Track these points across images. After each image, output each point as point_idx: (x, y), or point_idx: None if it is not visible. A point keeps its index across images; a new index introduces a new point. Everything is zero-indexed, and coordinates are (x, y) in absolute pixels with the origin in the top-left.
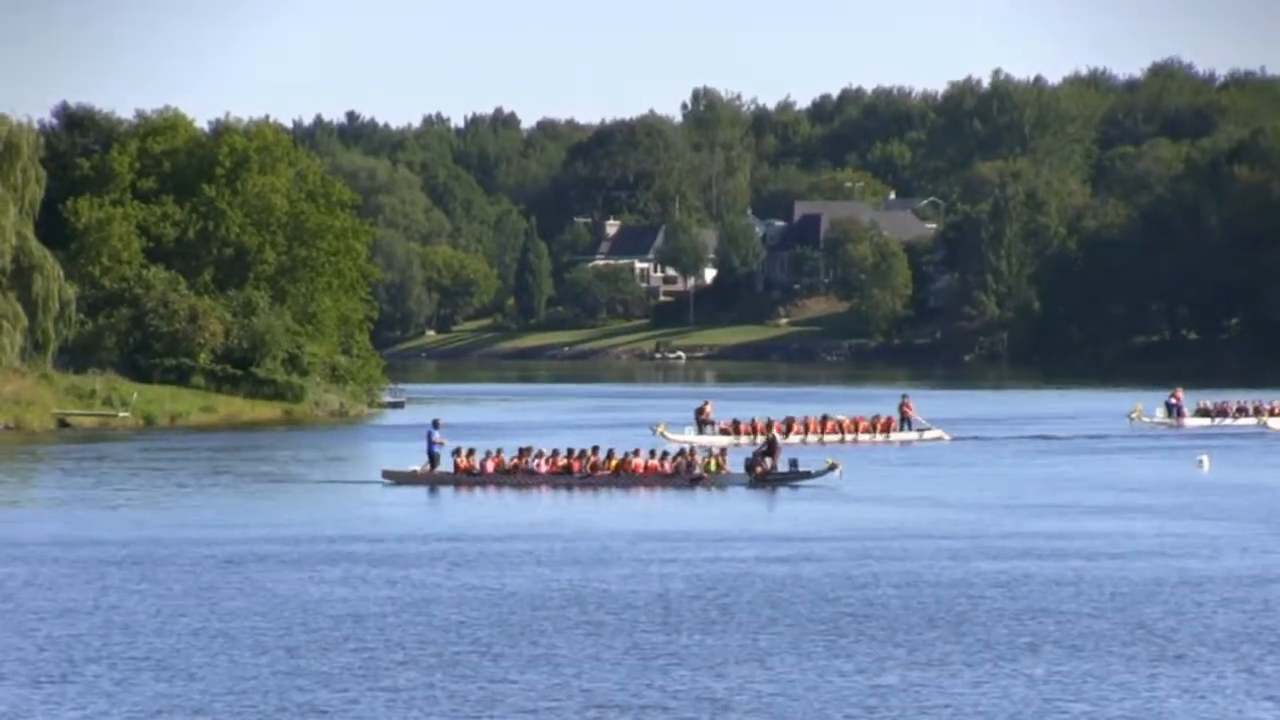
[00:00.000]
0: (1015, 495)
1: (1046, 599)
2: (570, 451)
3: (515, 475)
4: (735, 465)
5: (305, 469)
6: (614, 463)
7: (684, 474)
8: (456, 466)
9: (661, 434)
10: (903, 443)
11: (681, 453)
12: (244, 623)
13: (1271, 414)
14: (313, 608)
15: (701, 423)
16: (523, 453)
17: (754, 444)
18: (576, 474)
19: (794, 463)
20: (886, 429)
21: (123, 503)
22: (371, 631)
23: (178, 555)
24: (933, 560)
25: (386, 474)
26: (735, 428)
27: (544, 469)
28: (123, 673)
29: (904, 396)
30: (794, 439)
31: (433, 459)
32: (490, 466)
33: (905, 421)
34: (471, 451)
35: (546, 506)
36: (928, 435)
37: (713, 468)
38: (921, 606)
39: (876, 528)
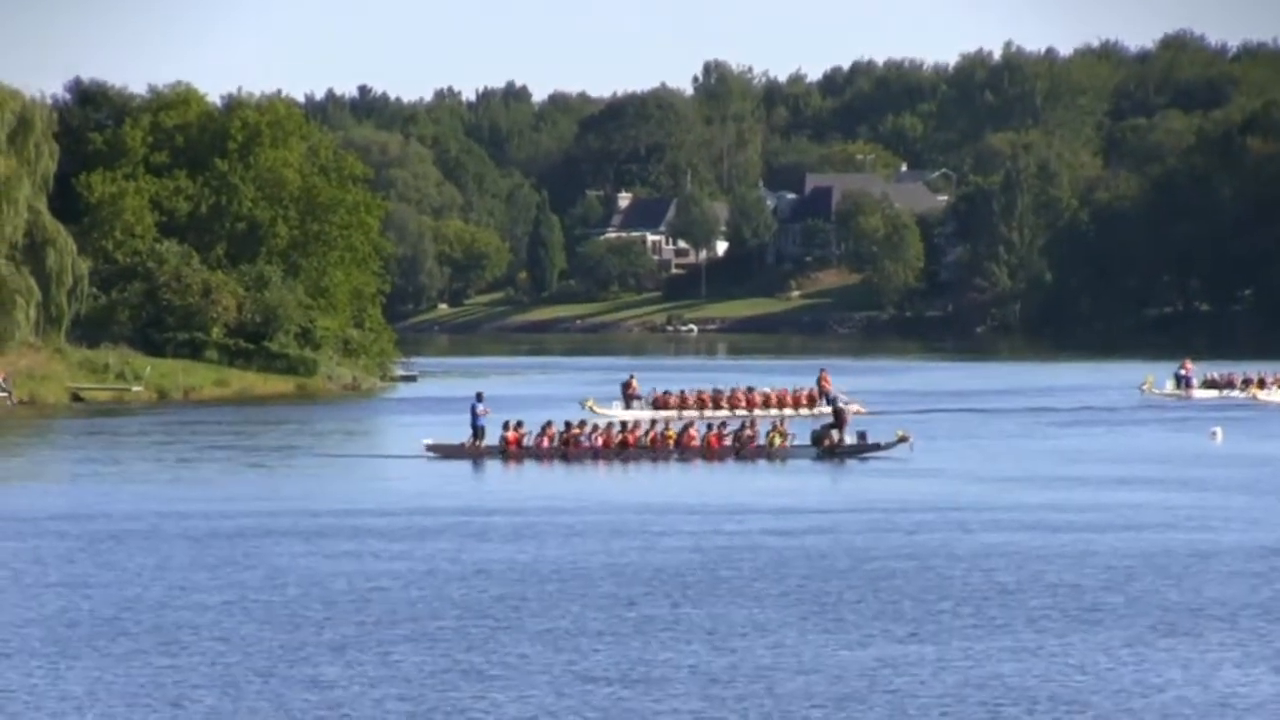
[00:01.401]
0: (1028, 469)
1: (1090, 573)
2: (624, 425)
3: (569, 449)
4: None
5: (339, 442)
6: (671, 436)
7: (745, 447)
8: (506, 440)
9: (590, 408)
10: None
11: (742, 425)
12: (298, 590)
13: (1260, 385)
14: (390, 580)
15: (629, 397)
16: (569, 426)
17: (680, 418)
18: (632, 448)
19: (862, 435)
20: (810, 403)
21: (168, 476)
22: (457, 603)
23: (246, 528)
24: (964, 534)
25: (431, 447)
26: (664, 401)
27: (598, 443)
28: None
29: (822, 370)
30: (721, 412)
31: (477, 432)
32: (543, 441)
33: (824, 394)
34: (520, 424)
35: (615, 480)
36: (851, 409)
37: (776, 440)
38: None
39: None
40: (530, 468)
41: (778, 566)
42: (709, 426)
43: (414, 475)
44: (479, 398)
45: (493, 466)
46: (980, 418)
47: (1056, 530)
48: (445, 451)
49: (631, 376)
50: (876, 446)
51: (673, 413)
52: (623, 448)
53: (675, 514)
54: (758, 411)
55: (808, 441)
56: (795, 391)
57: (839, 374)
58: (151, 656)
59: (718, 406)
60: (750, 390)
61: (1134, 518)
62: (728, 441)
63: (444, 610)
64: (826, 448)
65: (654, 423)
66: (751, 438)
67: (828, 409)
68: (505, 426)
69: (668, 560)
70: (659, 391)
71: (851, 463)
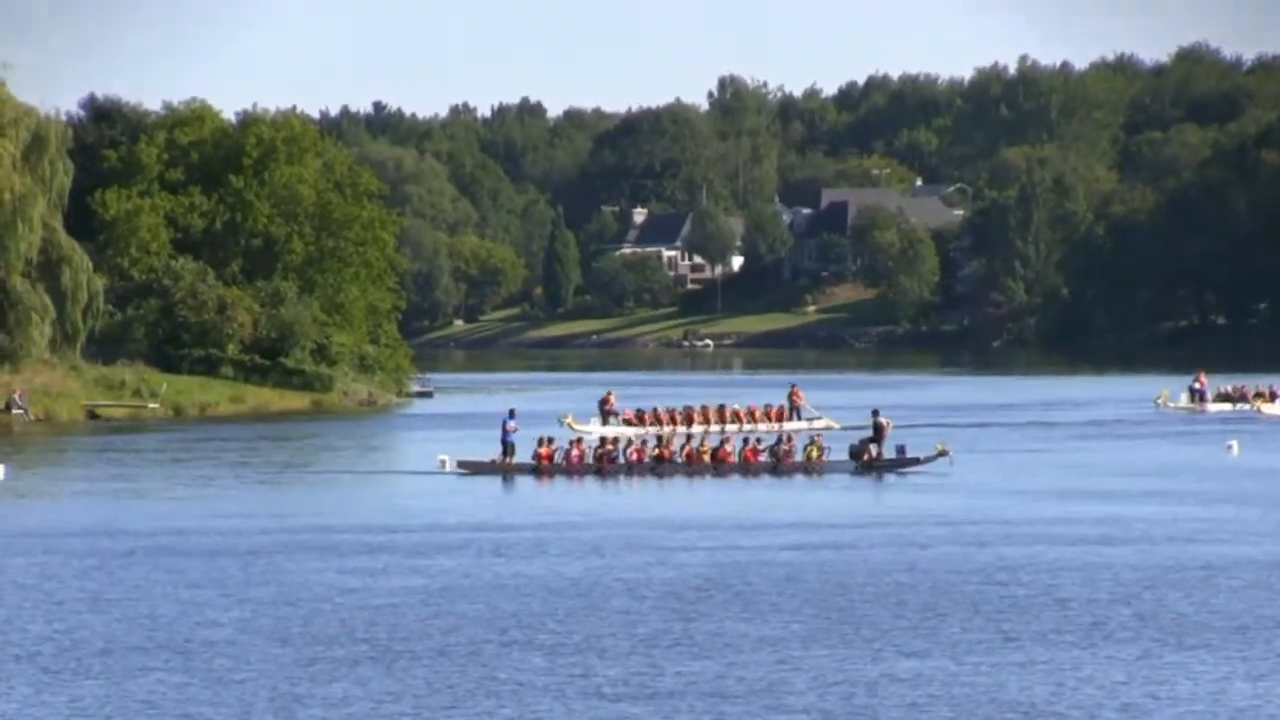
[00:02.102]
0: (1043, 483)
1: (1111, 586)
2: (659, 440)
3: (602, 465)
4: (795, 454)
5: (356, 459)
6: (706, 451)
7: (782, 462)
8: (538, 456)
9: (569, 425)
10: (792, 432)
11: (779, 440)
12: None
13: (1269, 398)
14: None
15: (605, 413)
16: (603, 442)
17: (661, 433)
18: (668, 462)
19: (901, 449)
20: (780, 418)
21: (184, 493)
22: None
23: (262, 545)
24: (985, 547)
25: (462, 464)
26: (639, 418)
27: (633, 458)
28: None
29: (793, 385)
30: (695, 429)
31: (508, 448)
32: (575, 456)
33: (795, 410)
34: (551, 440)
35: (651, 496)
36: (817, 424)
37: (814, 455)
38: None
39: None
40: (563, 484)
41: (811, 581)
42: (745, 441)
43: (445, 491)
44: (511, 414)
45: (525, 483)
46: (996, 432)
47: (1073, 544)
48: (475, 468)
49: (609, 392)
50: (916, 461)
51: (645, 429)
52: (658, 463)
53: (716, 529)
54: (729, 427)
55: (845, 456)
56: (766, 407)
57: (857, 389)
58: (164, 674)
59: (689, 423)
60: (722, 407)
61: (1150, 531)
62: (764, 456)
63: (492, 625)
64: (865, 462)
65: (689, 438)
66: (788, 452)
67: (799, 424)
68: (539, 443)
69: (693, 575)
70: (629, 411)
71: (889, 477)
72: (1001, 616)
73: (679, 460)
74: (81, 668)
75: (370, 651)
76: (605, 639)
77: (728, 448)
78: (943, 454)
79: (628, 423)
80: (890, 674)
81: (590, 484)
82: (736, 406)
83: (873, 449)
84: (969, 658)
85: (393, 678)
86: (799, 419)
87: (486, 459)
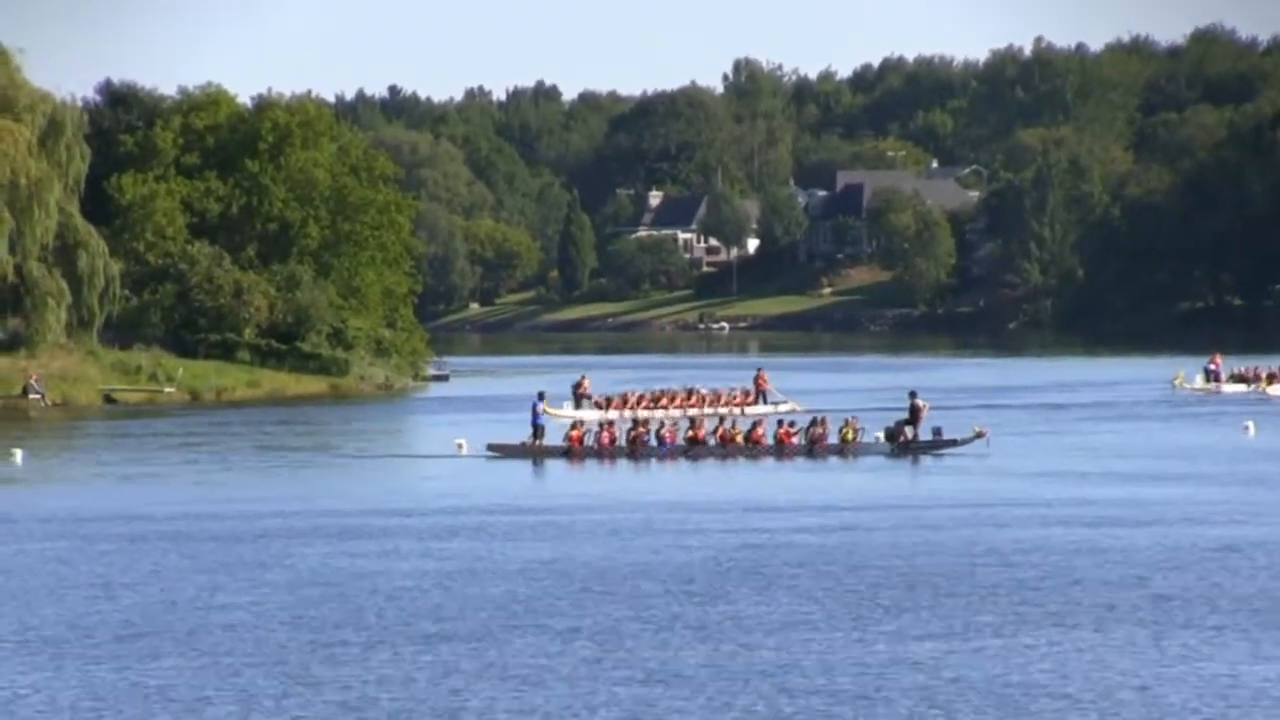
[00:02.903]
0: (1059, 464)
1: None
2: (692, 421)
3: (635, 448)
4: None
5: (375, 442)
6: (738, 433)
7: (817, 444)
8: (569, 439)
9: (545, 410)
10: (757, 416)
11: (814, 422)
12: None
13: (1271, 378)
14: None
15: (579, 396)
16: (636, 424)
17: (623, 418)
18: (701, 445)
19: (938, 431)
20: (746, 401)
21: (201, 478)
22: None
23: (279, 529)
24: (1007, 529)
25: (492, 447)
26: (608, 402)
27: (667, 440)
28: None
29: (759, 370)
30: (659, 413)
31: (538, 431)
32: (605, 439)
33: (761, 394)
34: (582, 423)
35: (687, 478)
36: (782, 408)
37: (849, 436)
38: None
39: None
40: (594, 467)
41: (844, 562)
42: (780, 423)
43: (468, 474)
44: (540, 397)
45: (559, 466)
46: (1012, 414)
47: (1091, 526)
48: (506, 451)
49: (583, 376)
50: (953, 442)
51: (615, 414)
52: (691, 444)
53: (750, 511)
54: (694, 411)
55: (881, 437)
56: (732, 391)
57: (872, 371)
58: (179, 658)
59: (659, 406)
60: (690, 391)
61: (1169, 513)
62: (798, 439)
63: (525, 607)
64: (901, 444)
65: (721, 419)
66: (823, 435)
67: (764, 408)
68: (573, 425)
69: (722, 558)
70: (599, 397)
71: (926, 459)
72: (1020, 598)
73: (712, 442)
74: (97, 653)
75: (387, 635)
76: (644, 621)
77: (760, 429)
78: (979, 435)
79: (598, 406)
80: (914, 656)
81: (622, 466)
82: (704, 390)
83: (908, 431)
84: (985, 639)
85: (434, 660)
86: (764, 403)
87: (515, 442)
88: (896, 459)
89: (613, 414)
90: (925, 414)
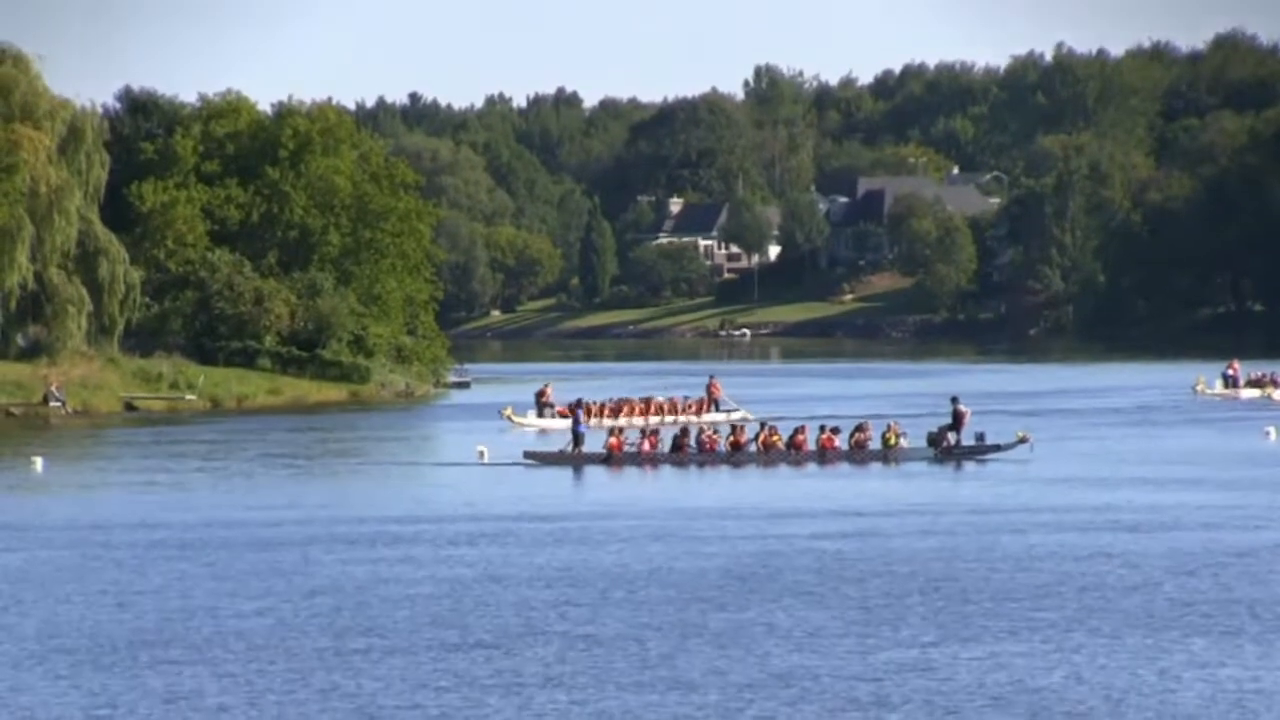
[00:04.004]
0: (1081, 470)
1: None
2: (734, 428)
3: (677, 455)
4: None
5: (405, 450)
6: (777, 439)
7: (859, 449)
8: (609, 446)
9: (508, 417)
10: (711, 424)
11: (858, 428)
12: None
13: (1275, 384)
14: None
15: (541, 405)
16: (684, 431)
17: (601, 426)
18: (742, 451)
19: (981, 436)
20: (700, 410)
21: (226, 486)
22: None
23: (301, 536)
24: (1029, 535)
25: (529, 455)
26: (572, 410)
27: (709, 447)
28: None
29: (711, 377)
30: (621, 420)
31: (577, 439)
32: (646, 446)
33: (714, 402)
34: (622, 430)
35: (731, 485)
36: (734, 415)
37: (891, 441)
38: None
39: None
40: (633, 474)
41: (898, 569)
42: (821, 428)
43: (492, 481)
44: (579, 404)
45: (598, 473)
46: (1034, 420)
47: (1114, 531)
48: (544, 459)
49: (546, 384)
50: (996, 448)
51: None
52: (734, 450)
53: (795, 518)
54: (654, 419)
55: (924, 443)
56: (686, 400)
57: (893, 378)
58: (196, 667)
59: (617, 415)
60: (647, 400)
61: (1190, 518)
62: (840, 444)
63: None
64: (944, 449)
65: (763, 425)
66: (865, 440)
67: (717, 415)
68: (610, 433)
69: (773, 564)
70: (560, 405)
71: (969, 465)
72: (1048, 603)
73: (754, 449)
74: (115, 660)
75: (411, 643)
76: (680, 628)
77: (801, 436)
78: (1023, 441)
79: (561, 415)
80: (944, 661)
81: (662, 474)
82: (660, 399)
83: (951, 436)
84: (1003, 645)
85: (465, 665)
86: (718, 410)
87: (554, 450)
88: (939, 464)
89: (567, 424)
90: (968, 419)
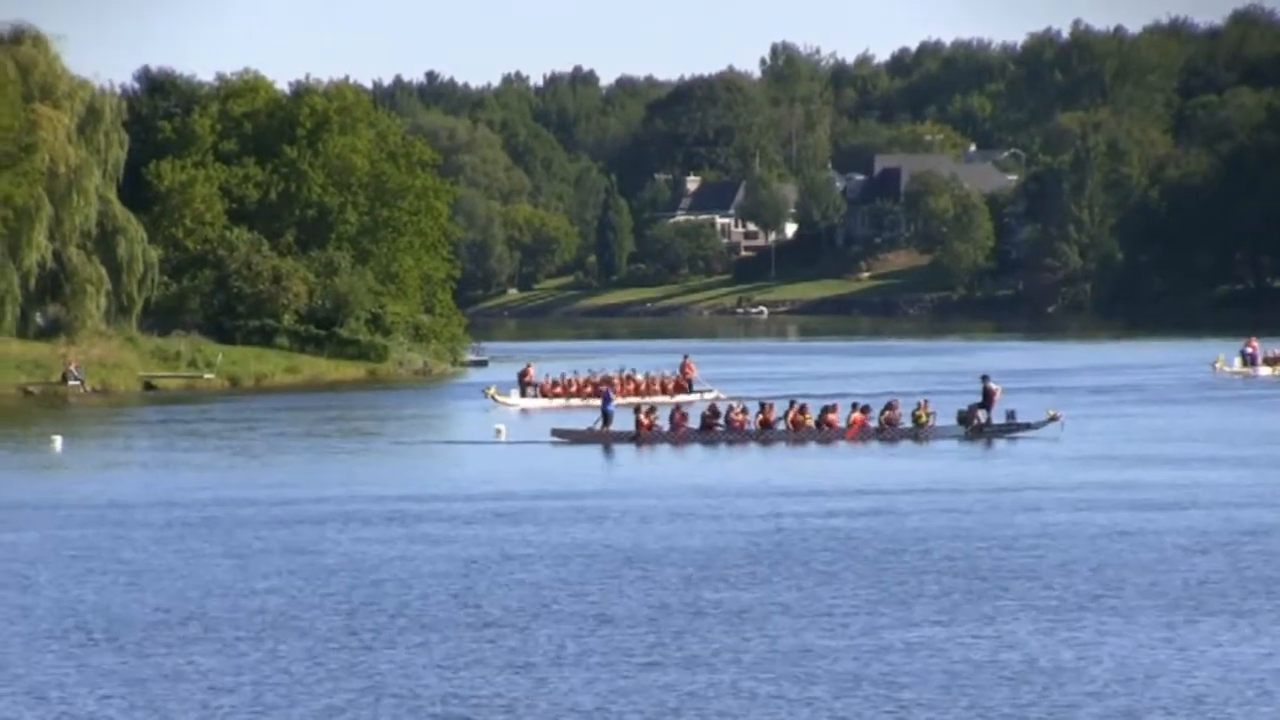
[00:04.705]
0: (1102, 448)
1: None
2: (762, 406)
3: (708, 433)
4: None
5: (423, 428)
6: (808, 417)
7: (889, 427)
8: (639, 424)
9: (492, 396)
10: (683, 403)
11: (888, 406)
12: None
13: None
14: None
15: (525, 385)
16: (714, 410)
17: (567, 406)
18: (772, 429)
19: (1011, 414)
20: (674, 389)
21: (245, 464)
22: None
23: (322, 515)
24: (1040, 514)
25: (558, 432)
26: (553, 387)
27: (738, 425)
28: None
29: (685, 357)
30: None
31: (607, 418)
32: (677, 422)
33: (688, 382)
34: (653, 409)
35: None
36: (707, 395)
37: (922, 419)
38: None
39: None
40: (665, 452)
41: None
42: (854, 406)
43: (510, 458)
44: (608, 383)
45: (628, 451)
46: (1053, 397)
47: (1138, 510)
48: (573, 437)
49: (529, 364)
50: (1027, 426)
51: (560, 401)
52: (763, 428)
53: (836, 496)
54: (632, 399)
55: (954, 421)
56: (663, 378)
57: (911, 356)
58: (211, 645)
59: (597, 394)
60: (628, 376)
61: (1217, 497)
62: (871, 422)
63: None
64: (975, 427)
65: (791, 403)
66: (895, 418)
67: (690, 396)
68: (636, 410)
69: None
70: (545, 382)
71: (999, 442)
72: (1062, 583)
73: (782, 426)
74: (133, 639)
75: (425, 621)
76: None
77: (833, 414)
78: (1053, 419)
79: (543, 394)
80: (937, 640)
81: (692, 452)
82: (639, 377)
83: (981, 415)
84: (1014, 624)
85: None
86: (691, 390)
87: (583, 428)
88: (969, 442)
89: (554, 401)
90: (999, 397)
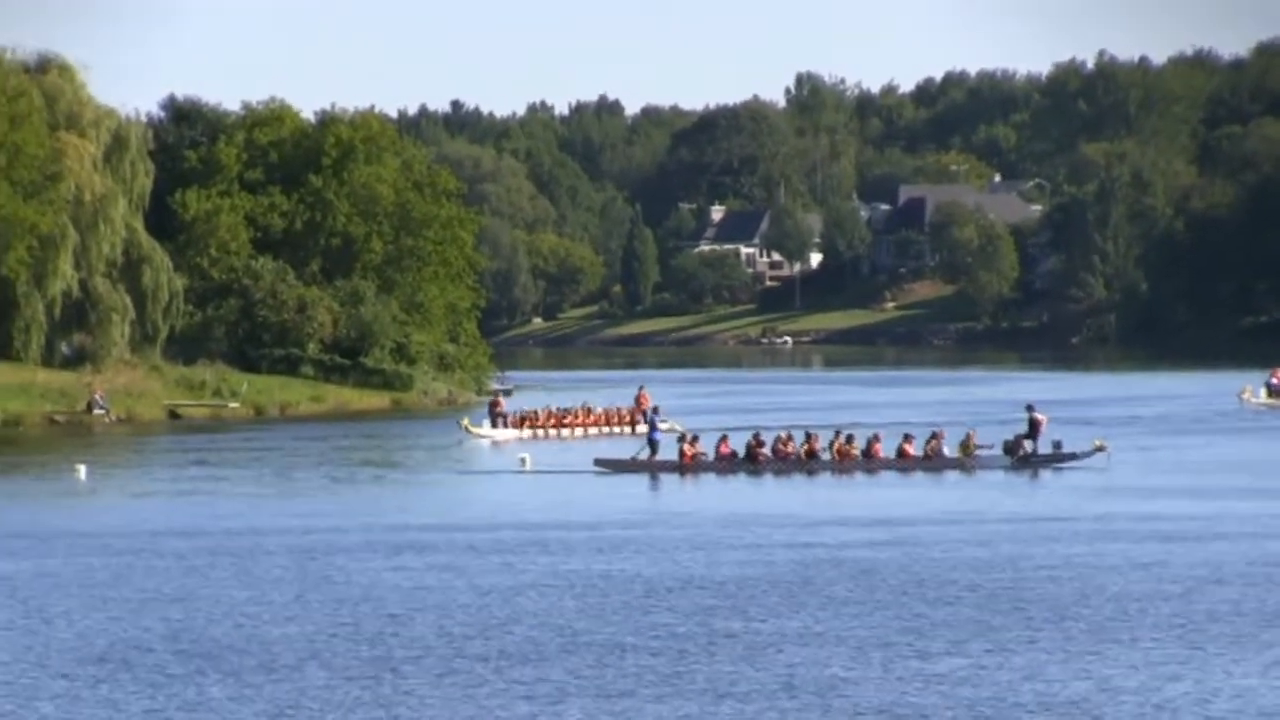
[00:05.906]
0: (1127, 479)
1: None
2: (808, 436)
3: (753, 463)
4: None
5: (447, 458)
6: (854, 448)
7: (935, 458)
8: (682, 454)
9: (466, 429)
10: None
11: (933, 436)
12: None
13: None
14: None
15: (495, 416)
16: (757, 438)
17: (547, 438)
18: (817, 459)
19: (1058, 444)
20: (630, 421)
21: (270, 493)
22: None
23: (346, 545)
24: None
25: (600, 462)
26: (521, 421)
27: (783, 455)
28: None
29: (640, 387)
30: (564, 431)
31: (653, 446)
32: (722, 453)
33: (643, 413)
34: (696, 438)
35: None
36: (662, 428)
37: (969, 449)
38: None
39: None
40: (709, 481)
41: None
42: (905, 436)
43: (537, 490)
44: (655, 411)
45: (671, 480)
46: (1079, 429)
47: (1165, 540)
48: (615, 467)
49: (498, 395)
50: (1073, 456)
51: (528, 432)
52: (809, 458)
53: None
54: (593, 430)
55: (1000, 451)
56: (619, 410)
57: (936, 385)
58: (231, 676)
59: (563, 425)
60: (588, 410)
61: (1238, 527)
62: (915, 452)
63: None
64: (1021, 458)
65: (837, 433)
66: (940, 448)
67: (646, 427)
68: (681, 439)
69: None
70: (513, 415)
71: (1045, 473)
72: (1098, 616)
73: (826, 456)
74: (154, 668)
75: (446, 651)
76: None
77: (878, 444)
78: (1100, 449)
79: (514, 426)
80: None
81: (737, 481)
82: (597, 410)
83: (1027, 445)
84: (1038, 654)
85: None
86: (645, 421)
87: (625, 457)
88: (1015, 472)
89: (525, 432)
90: (1045, 427)
